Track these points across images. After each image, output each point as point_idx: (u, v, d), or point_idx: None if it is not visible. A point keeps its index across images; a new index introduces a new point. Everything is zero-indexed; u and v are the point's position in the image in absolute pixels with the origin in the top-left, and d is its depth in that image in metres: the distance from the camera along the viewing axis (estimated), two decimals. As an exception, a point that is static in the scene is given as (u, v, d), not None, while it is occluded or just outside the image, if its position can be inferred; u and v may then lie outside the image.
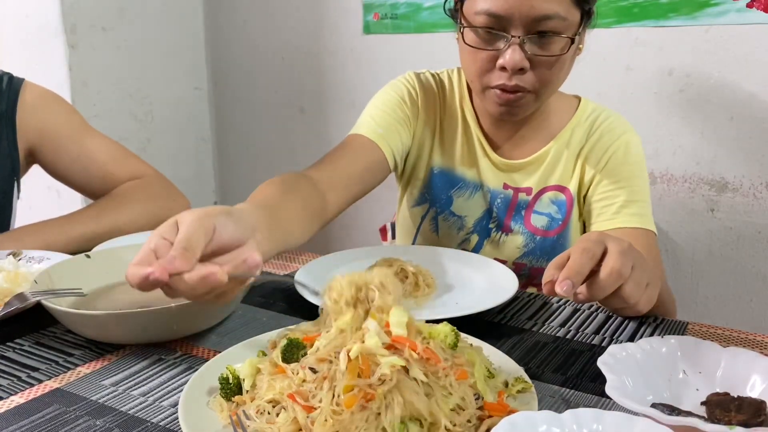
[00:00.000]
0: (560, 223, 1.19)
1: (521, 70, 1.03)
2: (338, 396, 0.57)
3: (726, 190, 1.67)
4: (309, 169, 1.10)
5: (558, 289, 0.72)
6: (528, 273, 1.22)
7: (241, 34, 2.49)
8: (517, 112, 1.10)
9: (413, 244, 1.32)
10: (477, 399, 0.61)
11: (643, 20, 1.69)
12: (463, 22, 1.07)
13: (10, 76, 1.31)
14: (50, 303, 0.80)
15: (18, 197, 1.34)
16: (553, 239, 1.19)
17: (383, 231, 1.66)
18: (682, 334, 0.84)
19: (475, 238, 1.23)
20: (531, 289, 1.22)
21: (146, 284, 0.66)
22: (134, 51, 2.28)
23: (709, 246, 1.72)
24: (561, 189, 1.19)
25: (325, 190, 1.06)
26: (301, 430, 0.58)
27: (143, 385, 0.73)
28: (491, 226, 1.23)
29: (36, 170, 1.37)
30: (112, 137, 1.38)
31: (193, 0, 2.49)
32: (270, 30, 2.42)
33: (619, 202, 1.12)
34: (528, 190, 1.20)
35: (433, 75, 1.27)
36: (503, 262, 1.19)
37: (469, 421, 0.59)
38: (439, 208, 1.25)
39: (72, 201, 1.85)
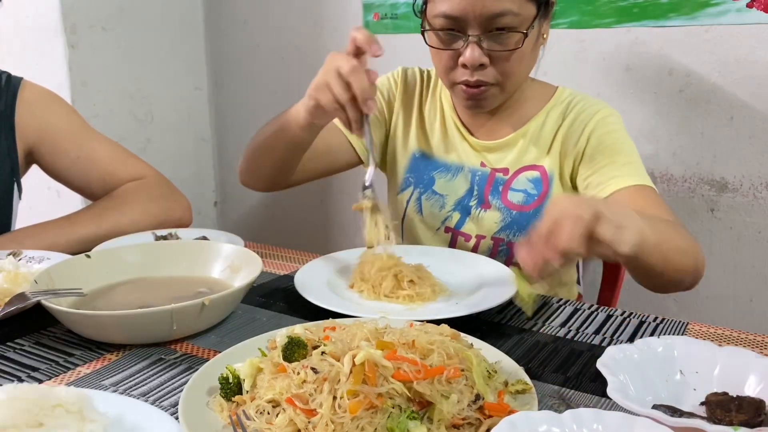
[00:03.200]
0: (536, 198, 1.21)
1: (481, 66, 1.10)
2: (340, 398, 0.57)
3: (726, 190, 1.67)
4: None
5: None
6: (506, 249, 1.23)
7: (241, 34, 2.49)
8: (485, 105, 1.17)
9: (402, 229, 1.34)
10: (477, 399, 0.61)
11: (643, 20, 1.69)
12: (425, 25, 1.14)
13: (8, 75, 1.30)
14: (50, 303, 0.80)
15: (20, 198, 1.33)
16: (530, 213, 1.21)
17: (384, 230, 1.66)
18: (682, 334, 0.85)
19: (456, 216, 1.26)
20: (513, 269, 1.23)
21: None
22: (134, 51, 2.28)
23: (709, 246, 1.71)
24: (536, 167, 1.22)
25: None
26: (299, 431, 0.58)
27: (143, 385, 0.73)
28: (471, 203, 1.25)
29: (35, 170, 1.37)
30: (111, 137, 1.38)
31: (193, 0, 2.49)
32: (270, 30, 2.42)
33: (611, 168, 1.13)
34: (504, 171, 1.23)
35: (421, 70, 1.36)
36: (482, 237, 1.21)
37: (466, 419, 0.59)
38: (423, 187, 1.29)
39: (72, 201, 1.85)
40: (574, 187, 1.20)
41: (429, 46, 1.14)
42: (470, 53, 1.08)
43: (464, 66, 1.10)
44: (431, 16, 1.11)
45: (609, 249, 0.73)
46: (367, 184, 1.01)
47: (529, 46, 1.11)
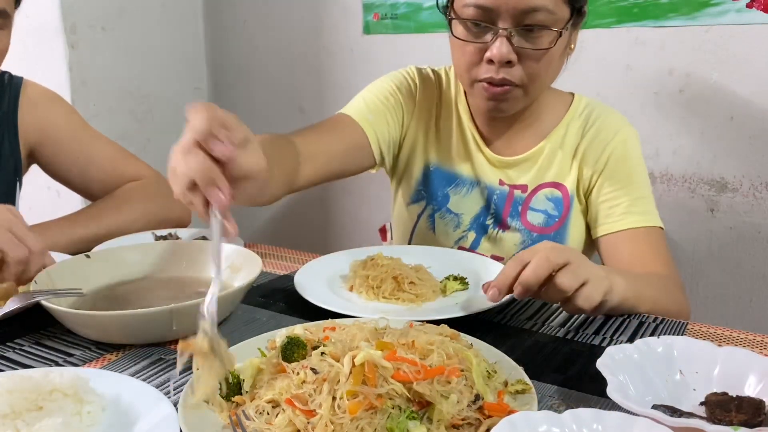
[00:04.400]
0: (557, 220, 1.19)
1: (508, 63, 1.04)
2: (340, 399, 0.57)
3: (726, 190, 1.67)
4: (293, 134, 1.11)
5: (487, 295, 0.83)
6: None
7: (240, 34, 2.49)
8: (506, 108, 1.11)
9: (410, 242, 1.32)
10: (477, 399, 0.61)
11: (643, 20, 1.69)
12: (452, 14, 1.08)
13: (10, 75, 1.31)
14: (50, 303, 0.80)
15: (19, 195, 1.34)
16: (551, 236, 1.19)
17: (383, 231, 1.66)
18: (682, 334, 0.84)
19: (472, 236, 1.24)
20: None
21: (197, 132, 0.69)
22: (134, 50, 2.28)
23: (709, 246, 1.71)
24: (557, 186, 1.19)
25: (302, 161, 1.08)
26: (299, 431, 0.58)
27: (143, 385, 0.72)
28: (488, 222, 1.23)
29: (35, 170, 1.37)
30: (111, 137, 1.38)
31: (193, 0, 2.49)
32: (270, 30, 2.42)
33: (624, 203, 1.12)
34: (523, 188, 1.20)
35: (434, 71, 1.29)
36: (500, 259, 1.19)
37: (466, 419, 0.59)
38: (436, 205, 1.26)
39: (71, 202, 1.85)
40: (588, 204, 1.18)
41: (454, 37, 1.08)
42: (498, 48, 1.02)
43: (490, 62, 1.04)
44: (459, 6, 1.05)
45: (571, 299, 0.80)
46: (205, 311, 0.65)
47: (559, 50, 1.06)
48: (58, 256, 1.04)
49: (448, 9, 1.10)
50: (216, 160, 0.68)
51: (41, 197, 2.07)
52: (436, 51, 1.24)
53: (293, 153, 1.05)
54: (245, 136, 0.70)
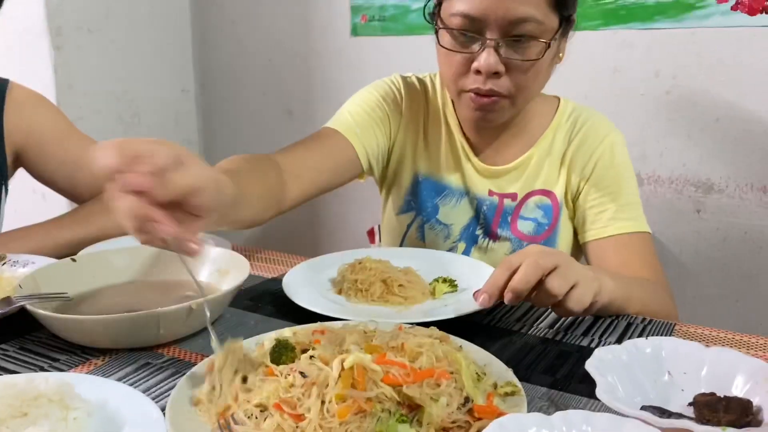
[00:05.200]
0: (547, 228, 1.18)
1: (496, 74, 1.02)
2: (328, 402, 0.57)
3: (712, 191, 1.68)
4: (278, 153, 1.09)
5: (477, 302, 0.83)
6: None
7: (228, 36, 2.48)
8: (493, 118, 1.09)
9: None
10: (466, 402, 0.61)
11: (630, 22, 1.70)
12: (439, 23, 1.06)
13: (-5, 78, 1.29)
14: (35, 307, 0.79)
15: (5, 200, 1.32)
16: (541, 244, 1.18)
17: (371, 234, 1.66)
18: (670, 335, 0.85)
19: (462, 246, 1.23)
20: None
21: (107, 172, 0.61)
22: (120, 52, 2.27)
23: (696, 247, 1.73)
24: (546, 193, 1.18)
25: (288, 180, 1.06)
26: (287, 436, 0.57)
27: (130, 390, 0.72)
28: (478, 232, 1.22)
29: (20, 173, 1.36)
30: (98, 140, 1.36)
31: (181, 1, 2.48)
32: (258, 32, 2.41)
33: (611, 209, 1.12)
34: (513, 196, 1.19)
35: (419, 79, 1.27)
36: None
37: (456, 422, 0.59)
38: (426, 216, 1.25)
39: (57, 205, 1.83)
40: (575, 209, 1.18)
41: (441, 46, 1.06)
42: (486, 58, 0.99)
43: (477, 72, 1.02)
44: (447, 15, 1.03)
45: (562, 302, 0.80)
46: (210, 329, 0.71)
47: (548, 60, 1.04)
48: (43, 260, 1.03)
49: (434, 18, 1.08)
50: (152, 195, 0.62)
51: (26, 200, 2.05)
52: (425, 53, 1.23)
53: (276, 171, 1.03)
54: (174, 155, 0.63)
